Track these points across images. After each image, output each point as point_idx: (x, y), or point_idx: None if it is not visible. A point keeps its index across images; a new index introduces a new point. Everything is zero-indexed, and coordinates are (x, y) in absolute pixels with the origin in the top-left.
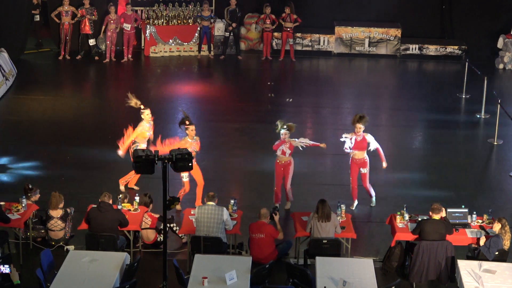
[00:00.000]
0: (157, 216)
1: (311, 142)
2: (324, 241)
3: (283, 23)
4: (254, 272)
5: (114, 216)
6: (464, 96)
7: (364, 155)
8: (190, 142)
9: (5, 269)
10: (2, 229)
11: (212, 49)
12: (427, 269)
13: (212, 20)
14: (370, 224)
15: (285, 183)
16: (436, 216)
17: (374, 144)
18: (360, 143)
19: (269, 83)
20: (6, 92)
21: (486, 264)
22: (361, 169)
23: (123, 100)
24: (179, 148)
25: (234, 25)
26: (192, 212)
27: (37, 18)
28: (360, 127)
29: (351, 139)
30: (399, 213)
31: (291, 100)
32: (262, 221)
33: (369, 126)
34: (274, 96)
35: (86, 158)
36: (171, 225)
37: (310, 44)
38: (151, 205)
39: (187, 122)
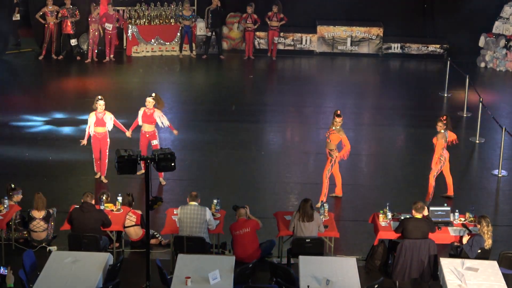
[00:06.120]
0: (140, 212)
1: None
2: (307, 240)
3: (269, 22)
4: (238, 272)
5: (97, 216)
6: (446, 95)
7: None
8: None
9: (3, 271)
10: None
11: (194, 48)
12: (410, 268)
13: (193, 20)
14: (353, 223)
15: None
16: (419, 215)
17: None
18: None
19: (251, 76)
20: None
21: (468, 262)
22: None
23: (105, 99)
24: (161, 148)
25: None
26: (175, 212)
27: (17, 17)
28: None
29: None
30: (381, 211)
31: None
32: (242, 218)
33: (352, 125)
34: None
35: (68, 158)
36: (155, 233)
37: (292, 43)
38: (133, 204)
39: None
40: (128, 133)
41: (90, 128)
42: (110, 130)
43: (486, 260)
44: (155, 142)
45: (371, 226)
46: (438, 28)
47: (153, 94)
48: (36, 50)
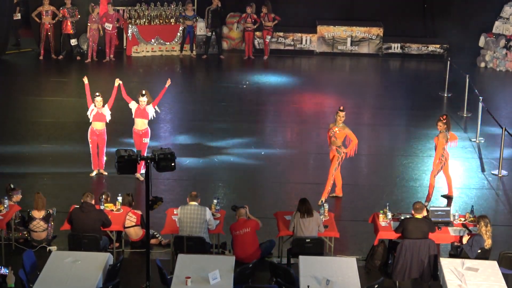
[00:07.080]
0: (140, 212)
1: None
2: (307, 240)
3: (263, 22)
4: (238, 272)
5: (97, 217)
6: (446, 95)
7: None
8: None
9: (4, 271)
10: None
11: (194, 48)
12: (410, 268)
13: (195, 20)
14: (353, 223)
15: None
16: (419, 215)
17: None
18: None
19: (246, 82)
20: None
21: (468, 262)
22: None
23: (105, 99)
24: (161, 148)
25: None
26: (175, 212)
27: (18, 16)
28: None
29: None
30: (382, 211)
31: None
32: (242, 218)
33: (352, 125)
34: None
35: (68, 158)
36: (155, 233)
37: (292, 43)
38: (133, 204)
39: None
40: (118, 81)
41: (92, 112)
42: (109, 120)
43: (486, 260)
44: (146, 140)
45: (371, 226)
46: (438, 28)
47: (144, 92)
48: (36, 50)
